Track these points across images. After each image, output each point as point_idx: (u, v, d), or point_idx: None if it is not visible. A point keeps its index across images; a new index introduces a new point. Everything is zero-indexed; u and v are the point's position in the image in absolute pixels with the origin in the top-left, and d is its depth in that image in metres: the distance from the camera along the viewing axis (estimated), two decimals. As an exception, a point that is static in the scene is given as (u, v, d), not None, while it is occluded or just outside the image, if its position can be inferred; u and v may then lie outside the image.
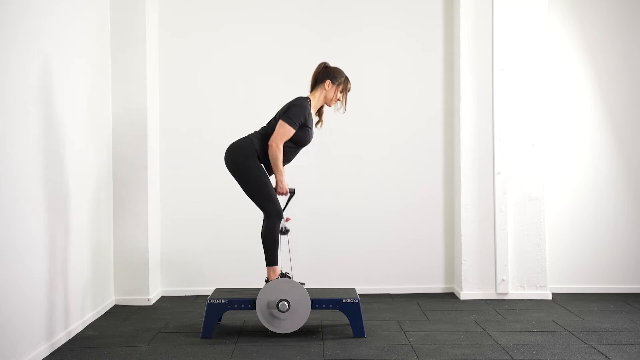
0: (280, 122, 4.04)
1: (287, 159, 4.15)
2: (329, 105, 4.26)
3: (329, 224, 5.43)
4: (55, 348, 3.80)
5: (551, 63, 5.41)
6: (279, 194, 4.11)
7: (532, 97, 5.20)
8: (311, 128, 4.15)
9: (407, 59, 5.47)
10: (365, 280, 5.41)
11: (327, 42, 5.44)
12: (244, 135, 4.18)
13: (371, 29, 5.47)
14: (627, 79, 5.47)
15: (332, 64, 4.36)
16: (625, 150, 5.48)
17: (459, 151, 5.24)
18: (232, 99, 5.42)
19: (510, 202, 5.20)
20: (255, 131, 4.18)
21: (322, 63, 4.26)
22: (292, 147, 4.13)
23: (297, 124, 4.04)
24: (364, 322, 4.08)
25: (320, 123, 4.32)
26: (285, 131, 4.03)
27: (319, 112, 4.30)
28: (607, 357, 3.61)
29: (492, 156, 5.20)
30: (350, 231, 5.44)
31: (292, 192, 4.20)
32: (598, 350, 3.72)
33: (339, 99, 4.22)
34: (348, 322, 4.22)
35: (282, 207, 4.19)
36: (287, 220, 4.13)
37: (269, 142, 4.03)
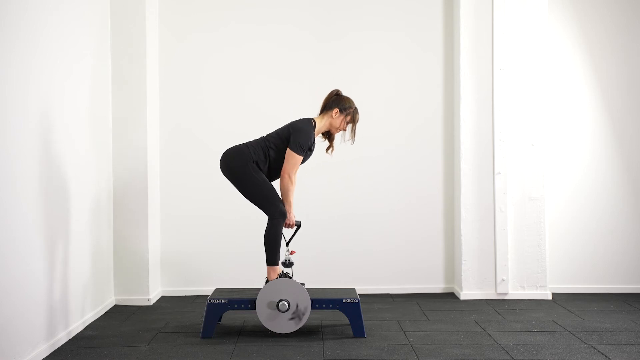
0: (290, 152, 4.04)
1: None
2: (333, 133, 4.25)
3: (329, 224, 5.43)
4: (55, 348, 3.80)
5: (551, 63, 5.41)
6: (287, 226, 4.11)
7: (532, 97, 5.20)
8: (312, 151, 4.17)
9: (407, 59, 5.47)
10: (365, 280, 5.41)
11: (326, 43, 5.44)
12: (240, 143, 4.17)
13: (371, 30, 5.46)
14: (627, 79, 5.47)
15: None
16: (625, 150, 5.48)
17: (459, 151, 5.24)
18: (232, 99, 5.42)
19: (510, 202, 5.20)
20: (254, 140, 4.17)
21: (334, 90, 4.25)
22: None
23: (305, 151, 4.07)
24: (364, 322, 4.09)
25: (331, 149, 4.31)
26: (296, 161, 4.05)
27: (330, 138, 4.29)
28: (607, 357, 3.61)
29: (492, 156, 5.21)
30: (350, 231, 5.44)
31: (298, 225, 4.21)
32: (598, 350, 3.73)
33: (344, 129, 4.22)
34: (348, 322, 4.22)
35: (288, 239, 4.21)
36: (291, 253, 4.14)
37: (282, 173, 4.05)
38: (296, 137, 4.04)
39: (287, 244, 4.20)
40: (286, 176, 4.05)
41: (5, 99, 3.28)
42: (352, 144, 4.34)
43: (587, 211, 5.47)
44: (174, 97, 5.39)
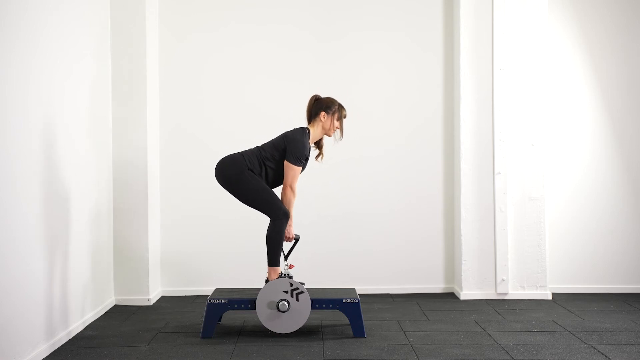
0: (289, 165, 4.04)
1: (281, 180, 4.16)
2: (329, 135, 4.23)
3: (329, 224, 5.43)
4: (55, 348, 3.80)
5: (551, 63, 5.41)
6: (285, 239, 4.11)
7: (532, 97, 5.20)
8: (307, 160, 4.17)
9: (407, 59, 5.47)
10: (365, 280, 5.41)
11: (327, 43, 5.44)
12: (234, 152, 4.17)
13: (371, 30, 5.46)
14: (627, 79, 5.47)
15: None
16: (625, 150, 5.48)
17: (459, 151, 5.24)
18: (232, 100, 5.41)
19: (510, 202, 5.20)
20: (249, 149, 4.17)
21: (313, 96, 4.23)
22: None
23: (302, 161, 4.08)
24: (364, 322, 4.09)
25: (321, 156, 4.30)
26: (295, 173, 4.07)
27: (319, 145, 4.28)
28: (607, 357, 3.61)
29: (492, 156, 5.20)
30: (350, 231, 5.44)
31: (296, 239, 4.21)
32: (598, 350, 3.73)
33: (337, 127, 4.20)
34: (348, 322, 4.22)
35: (287, 253, 4.20)
36: (290, 267, 4.13)
37: (284, 186, 4.07)
38: (292, 149, 4.04)
39: (286, 258, 4.19)
40: (288, 188, 4.07)
41: (5, 99, 3.28)
42: (341, 140, 4.32)
43: (587, 211, 5.47)
44: (174, 97, 5.39)
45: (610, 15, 5.45)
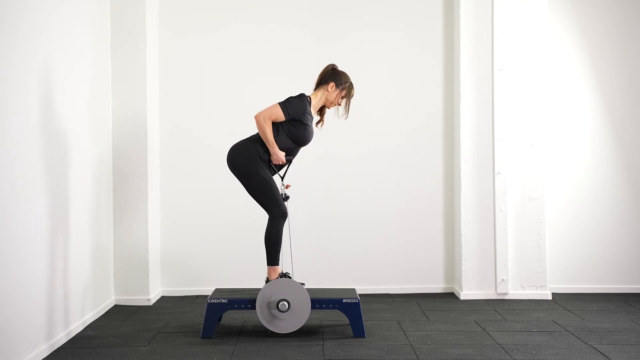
0: (276, 104, 4.04)
1: (287, 151, 4.13)
2: (328, 108, 4.25)
3: (329, 223, 5.43)
4: (55, 348, 3.80)
5: (551, 63, 5.41)
6: (275, 163, 4.09)
7: (532, 97, 5.20)
8: (310, 126, 4.13)
9: (407, 59, 5.47)
10: (365, 280, 5.41)
11: (327, 43, 5.44)
12: (245, 137, 4.18)
13: (371, 30, 5.46)
14: (627, 79, 5.47)
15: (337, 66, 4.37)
16: (625, 150, 5.48)
17: (459, 151, 5.24)
18: (232, 99, 5.42)
19: (510, 202, 5.20)
20: (257, 133, 4.17)
21: (330, 64, 4.26)
22: (292, 146, 4.12)
23: (289, 115, 4.02)
24: (364, 322, 4.09)
25: (321, 123, 4.32)
26: (274, 111, 4.01)
27: (321, 112, 4.30)
28: (607, 357, 3.61)
29: (492, 156, 5.21)
30: (350, 231, 5.44)
31: (289, 160, 4.16)
32: (598, 350, 3.73)
33: (339, 103, 4.22)
34: (348, 322, 4.22)
35: (282, 175, 4.18)
36: (287, 187, 4.14)
37: (257, 116, 4.00)
38: (288, 101, 4.05)
39: (282, 179, 4.16)
40: (261, 118, 3.98)
41: (5, 99, 3.28)
42: (345, 119, 4.33)
43: (587, 211, 5.47)
44: (174, 97, 5.39)
45: (610, 15, 5.45)
